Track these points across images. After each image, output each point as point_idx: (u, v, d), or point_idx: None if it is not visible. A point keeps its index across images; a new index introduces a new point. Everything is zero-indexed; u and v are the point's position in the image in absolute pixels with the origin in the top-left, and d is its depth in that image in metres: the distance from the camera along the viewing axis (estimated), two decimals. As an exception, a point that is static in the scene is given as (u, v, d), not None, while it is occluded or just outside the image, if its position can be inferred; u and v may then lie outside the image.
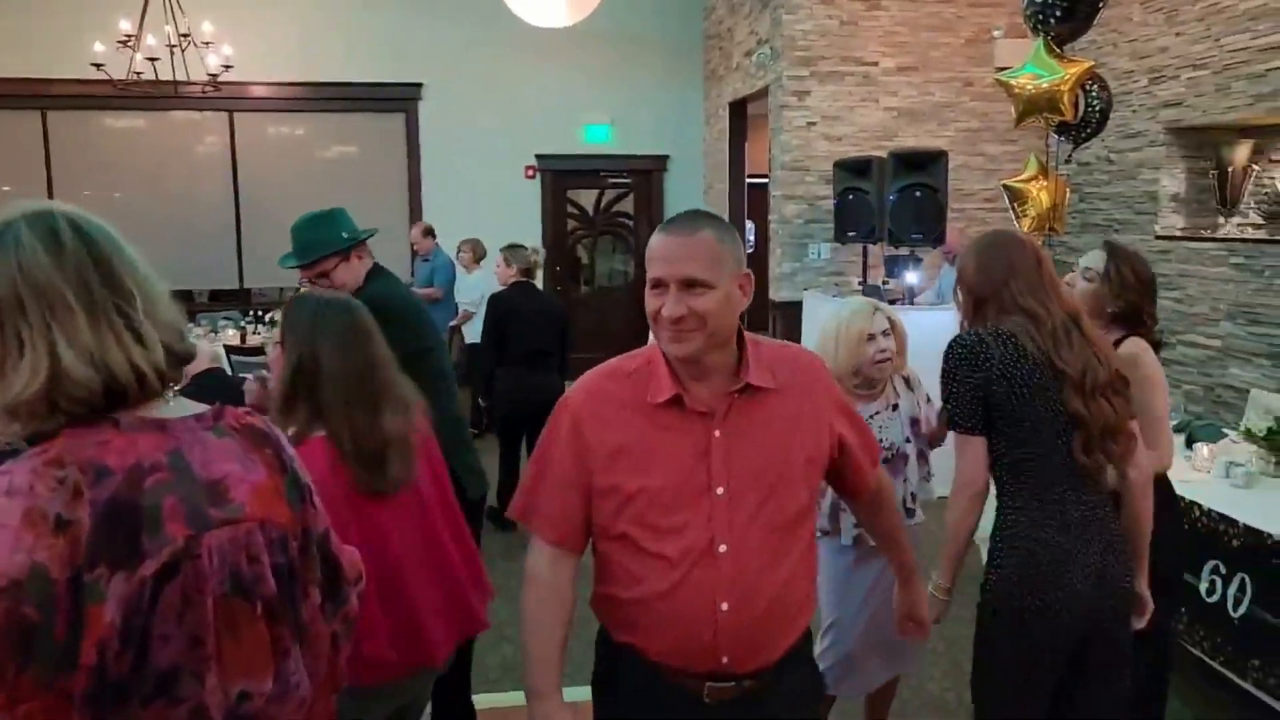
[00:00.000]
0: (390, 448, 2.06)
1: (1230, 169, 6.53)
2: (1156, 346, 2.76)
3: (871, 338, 2.81)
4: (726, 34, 9.41)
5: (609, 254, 10.86)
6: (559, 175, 10.30)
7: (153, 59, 7.13)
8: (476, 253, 8.13)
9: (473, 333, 8.10)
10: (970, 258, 2.38)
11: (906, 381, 2.98)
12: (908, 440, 2.90)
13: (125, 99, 8.10)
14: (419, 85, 9.79)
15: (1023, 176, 4.98)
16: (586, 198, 10.58)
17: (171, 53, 7.17)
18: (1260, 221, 6.44)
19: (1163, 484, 2.65)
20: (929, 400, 2.98)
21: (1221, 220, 6.65)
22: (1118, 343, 2.67)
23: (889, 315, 2.89)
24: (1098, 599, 2.19)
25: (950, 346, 2.29)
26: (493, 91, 9.84)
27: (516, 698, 2.99)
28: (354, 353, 2.08)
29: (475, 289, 7.96)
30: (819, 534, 2.95)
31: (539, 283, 6.32)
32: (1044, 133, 7.94)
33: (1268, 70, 5.82)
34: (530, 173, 10.16)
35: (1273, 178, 6.43)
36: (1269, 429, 3.67)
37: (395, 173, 9.95)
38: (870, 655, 3.00)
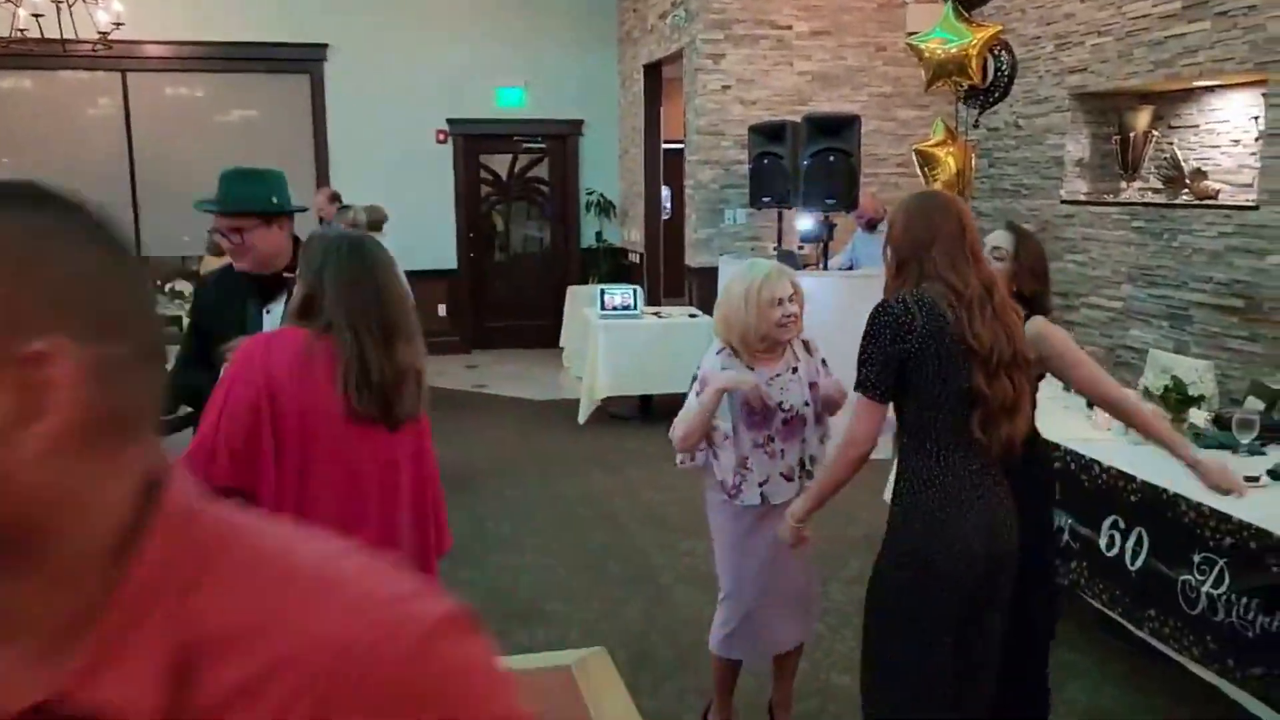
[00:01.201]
0: (403, 378, 2.03)
1: (1132, 135, 6.67)
2: None
3: (779, 302, 2.81)
4: (641, -5, 9.28)
5: (524, 220, 10.71)
6: (471, 140, 10.09)
7: (37, 15, 6.75)
8: (371, 219, 7.84)
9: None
10: (899, 216, 2.38)
11: (806, 346, 3.00)
12: (807, 404, 2.91)
13: (8, 58, 7.67)
14: (324, 46, 9.47)
15: (932, 141, 5.01)
16: (500, 163, 10.39)
17: (58, 9, 6.79)
18: (1159, 186, 6.60)
19: (1036, 439, 2.72)
20: (825, 365, 3.02)
21: (1123, 185, 6.80)
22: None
23: (792, 279, 2.89)
24: (988, 553, 2.28)
25: (877, 312, 2.27)
26: (401, 53, 9.58)
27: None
28: (365, 280, 2.03)
29: None
30: (720, 495, 2.94)
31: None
32: (954, 98, 8.05)
33: (1167, 37, 5.94)
34: (441, 137, 9.94)
35: (1171, 143, 6.59)
36: (1166, 387, 3.76)
37: (299, 137, 9.63)
38: (771, 619, 3.00)
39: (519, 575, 4.52)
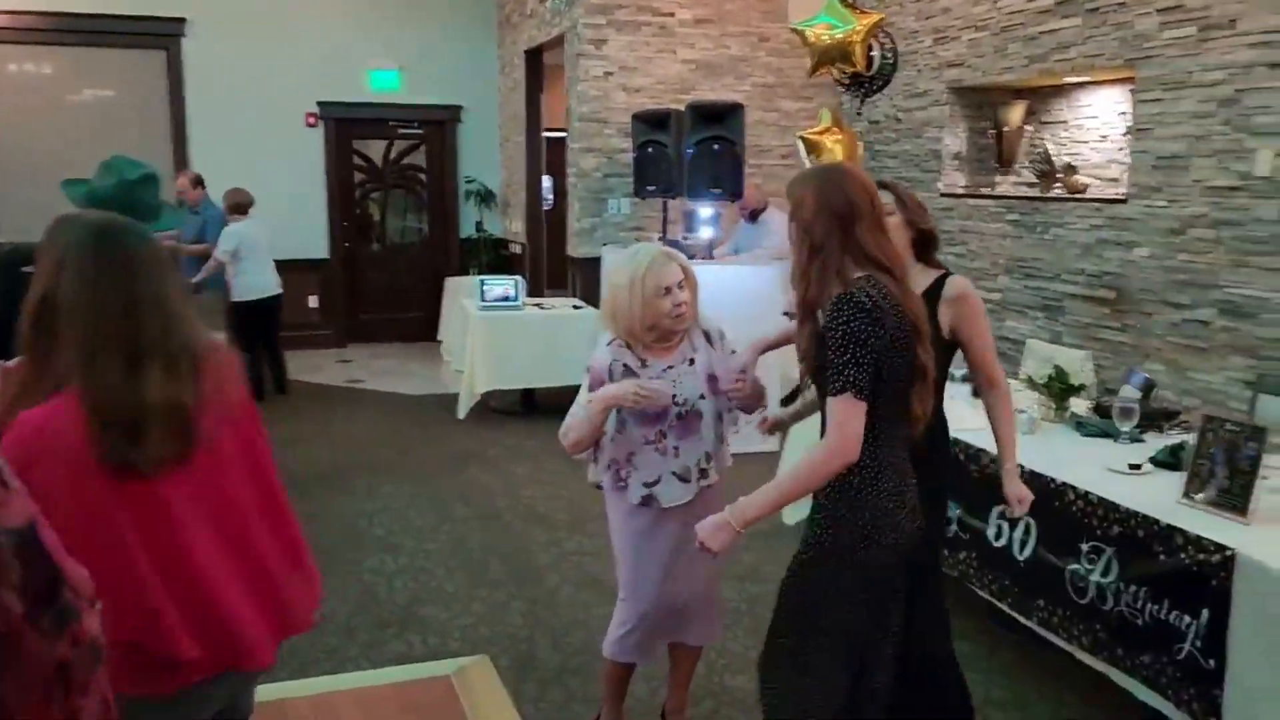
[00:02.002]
0: (149, 415, 1.61)
1: (1006, 129, 6.80)
2: None
3: (668, 290, 2.63)
4: (520, -22, 9.04)
5: (400, 209, 10.33)
6: (344, 124, 9.67)
7: None
8: (229, 201, 7.39)
9: (241, 290, 7.43)
10: (806, 193, 2.17)
11: (706, 336, 2.81)
12: (702, 397, 2.73)
13: None
14: (181, 20, 8.91)
15: (817, 128, 4.96)
16: (375, 149, 10.00)
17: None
18: (1033, 180, 6.74)
19: (940, 422, 2.67)
20: (734, 354, 2.83)
21: (999, 179, 6.92)
22: (942, 280, 2.64)
23: (682, 264, 2.70)
24: (916, 535, 2.25)
25: (845, 306, 2.06)
26: (267, 31, 9.10)
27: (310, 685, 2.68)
28: (107, 286, 1.61)
29: (234, 241, 7.24)
30: (615, 493, 2.78)
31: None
32: (838, 90, 8.08)
33: (1041, 33, 6.05)
34: (311, 120, 9.49)
35: (1043, 139, 6.74)
36: (1049, 377, 3.78)
37: (157, 117, 9.04)
38: (672, 622, 2.86)
39: (394, 579, 4.27)
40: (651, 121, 6.99)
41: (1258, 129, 4.72)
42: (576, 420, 2.73)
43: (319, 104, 9.44)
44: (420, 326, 9.84)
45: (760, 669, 2.34)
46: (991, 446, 3.46)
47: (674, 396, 2.66)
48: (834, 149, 4.74)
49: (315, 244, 9.60)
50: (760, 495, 2.15)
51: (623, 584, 2.85)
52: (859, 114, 5.09)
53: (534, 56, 8.98)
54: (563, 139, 9.22)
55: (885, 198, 2.76)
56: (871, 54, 4.76)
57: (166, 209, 2.73)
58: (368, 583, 4.24)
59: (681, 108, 6.99)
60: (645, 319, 2.62)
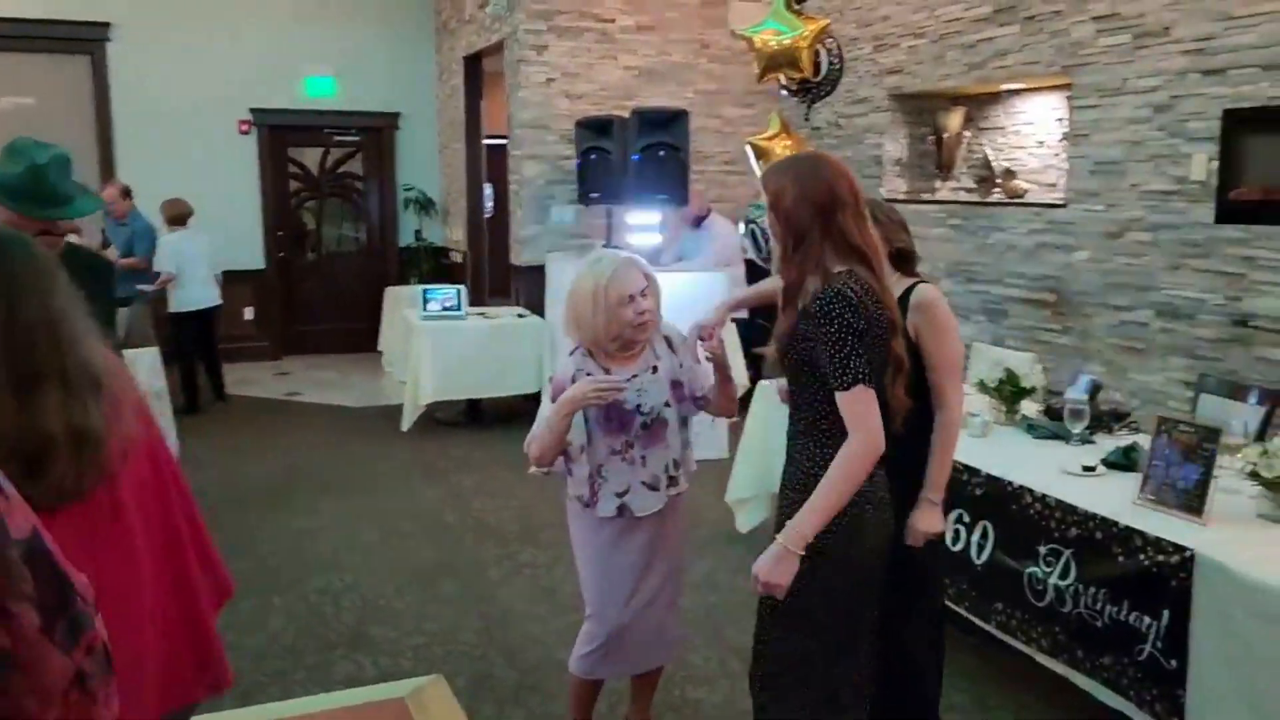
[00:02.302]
0: (49, 446, 1.40)
1: (945, 135, 6.89)
2: None
3: (631, 299, 2.57)
4: (458, -16, 8.93)
5: (337, 218, 10.13)
6: (278, 131, 9.46)
7: None
8: (168, 213, 7.32)
9: (180, 301, 7.31)
10: (785, 183, 2.13)
11: (669, 342, 2.76)
12: (668, 405, 2.69)
13: None
14: (106, 25, 8.64)
15: (766, 134, 4.95)
16: (311, 157, 9.80)
17: None
18: (972, 185, 6.84)
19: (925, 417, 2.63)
20: (699, 361, 2.79)
21: (939, 184, 7.01)
22: (912, 288, 2.63)
23: (645, 272, 2.65)
24: (889, 528, 2.25)
25: (835, 303, 2.03)
26: (197, 35, 8.86)
27: None
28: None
29: (172, 253, 7.17)
30: (579, 506, 2.73)
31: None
32: (779, 96, 8.11)
33: (979, 40, 6.13)
34: (244, 128, 9.27)
35: (982, 144, 6.84)
36: (1000, 380, 3.81)
37: (81, 125, 8.74)
38: (640, 637, 2.79)
39: (341, 599, 4.15)
40: (595, 128, 6.94)
41: (1192, 134, 4.82)
42: (540, 431, 2.67)
43: (252, 111, 9.22)
44: (359, 337, 9.66)
45: (758, 678, 2.28)
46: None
47: (639, 405, 2.61)
48: (784, 155, 4.74)
49: (250, 254, 9.37)
50: (809, 513, 2.07)
51: (590, 600, 2.79)
52: (806, 119, 5.10)
53: (473, 63, 8.88)
54: (502, 146, 9.12)
55: None
56: (819, 59, 4.77)
57: (80, 194, 2.55)
58: (314, 603, 4.11)
59: (625, 114, 6.96)
60: (609, 328, 2.57)
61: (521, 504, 5.33)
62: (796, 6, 4.72)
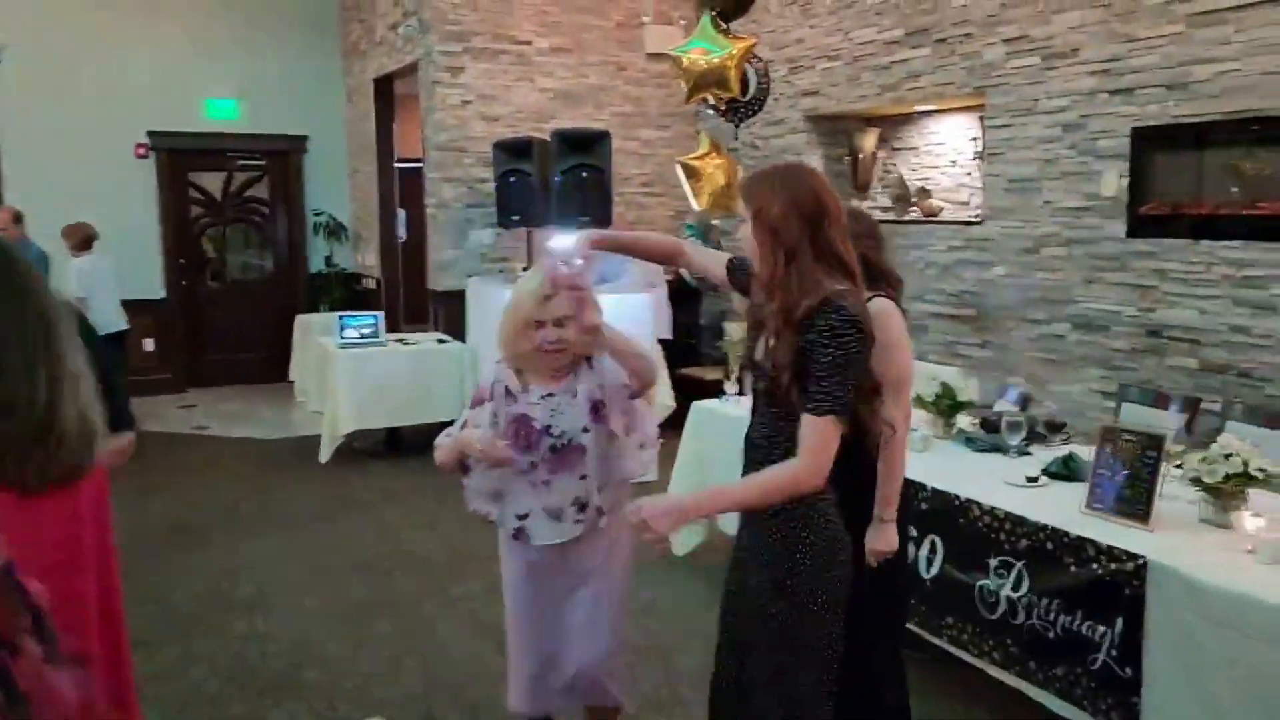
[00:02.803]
0: (64, 425, 1.39)
1: (861, 156, 7.00)
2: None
3: (540, 325, 2.43)
4: (367, 4, 8.77)
5: (242, 244, 9.80)
6: (178, 155, 9.13)
7: None
8: (75, 237, 7.06)
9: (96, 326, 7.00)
10: (772, 194, 2.03)
11: (589, 360, 2.55)
12: (585, 430, 2.51)
13: None
14: (-7, 45, 8.23)
15: (697, 154, 4.95)
16: (213, 181, 9.47)
17: None
18: (888, 204, 6.96)
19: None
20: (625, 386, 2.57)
21: (855, 203, 7.10)
22: (869, 300, 2.59)
23: (579, 298, 2.37)
24: (850, 547, 2.20)
25: (846, 326, 1.94)
26: (92, 56, 8.51)
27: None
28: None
29: (82, 277, 6.92)
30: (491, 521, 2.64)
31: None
32: (693, 118, 8.15)
33: (892, 62, 6.26)
34: (141, 151, 8.91)
35: (895, 164, 6.98)
36: (937, 394, 3.84)
37: (-35, 148, 8.30)
38: (567, 673, 2.63)
39: (268, 642, 3.95)
40: (513, 150, 6.87)
41: (1102, 152, 4.98)
42: (446, 443, 2.63)
43: (150, 134, 8.88)
44: (268, 367, 9.34)
45: (751, 708, 2.21)
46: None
47: (549, 427, 2.50)
48: (715, 174, 4.74)
49: (150, 283, 8.99)
50: (717, 493, 2.13)
51: (509, 627, 2.71)
52: (735, 139, 5.12)
53: (384, 85, 8.71)
54: (415, 170, 8.96)
55: None
56: (746, 78, 4.79)
57: None
58: (239, 649, 3.90)
59: (543, 136, 6.90)
60: (516, 346, 2.50)
61: (450, 535, 5.18)
62: (724, 26, 4.73)
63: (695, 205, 4.94)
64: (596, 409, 2.52)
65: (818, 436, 1.97)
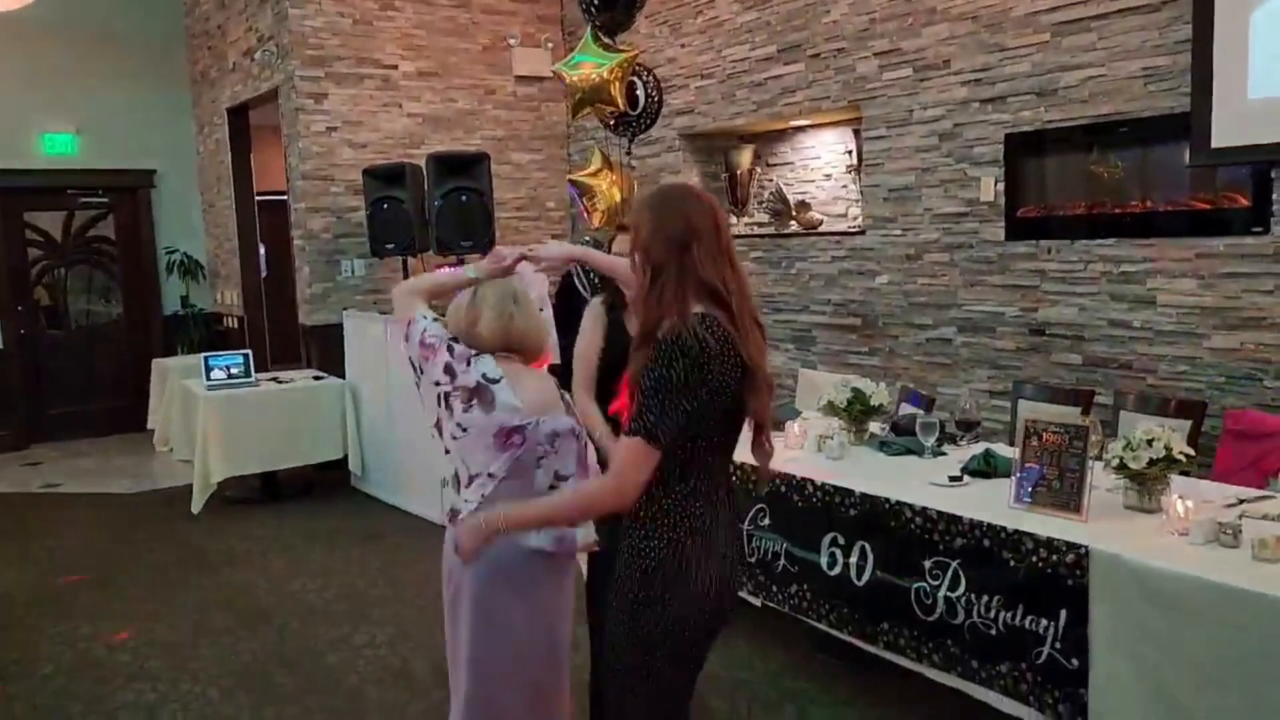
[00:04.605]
0: None
1: (738, 172, 7.05)
2: None
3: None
4: (217, 31, 8.35)
5: (87, 287, 9.14)
6: (11, 195, 8.45)
7: None
8: None
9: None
10: (645, 216, 2.03)
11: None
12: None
13: None
14: None
15: (589, 170, 4.85)
16: (52, 221, 8.81)
17: None
18: (766, 219, 7.02)
19: None
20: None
21: (734, 219, 7.15)
22: None
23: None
24: (725, 592, 2.10)
25: (669, 349, 1.87)
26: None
27: None
28: None
29: None
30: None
31: None
32: (564, 140, 8.07)
33: (766, 79, 6.33)
34: (-29, 192, 8.23)
35: (771, 179, 7.05)
36: (849, 400, 3.83)
37: None
38: (519, 707, 2.50)
39: (157, 712, 3.60)
40: (385, 176, 6.62)
41: (977, 159, 5.14)
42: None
43: (-22, 172, 8.22)
44: (121, 417, 8.74)
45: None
46: (813, 474, 3.46)
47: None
48: (611, 191, 4.65)
49: (-17, 333, 8.29)
50: (528, 507, 2.12)
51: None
52: (629, 154, 5.05)
53: (238, 114, 8.30)
54: (274, 202, 8.58)
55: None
56: (636, 92, 4.73)
57: None
58: (122, 721, 3.55)
59: (413, 161, 6.69)
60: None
61: (344, 581, 4.89)
62: (605, 40, 4.66)
63: (591, 222, 4.84)
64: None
65: (625, 457, 1.92)
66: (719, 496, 2.04)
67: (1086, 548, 2.59)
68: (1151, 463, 2.74)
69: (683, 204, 2.02)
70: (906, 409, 4.43)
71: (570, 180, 5.00)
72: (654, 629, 1.98)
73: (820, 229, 6.42)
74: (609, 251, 3.12)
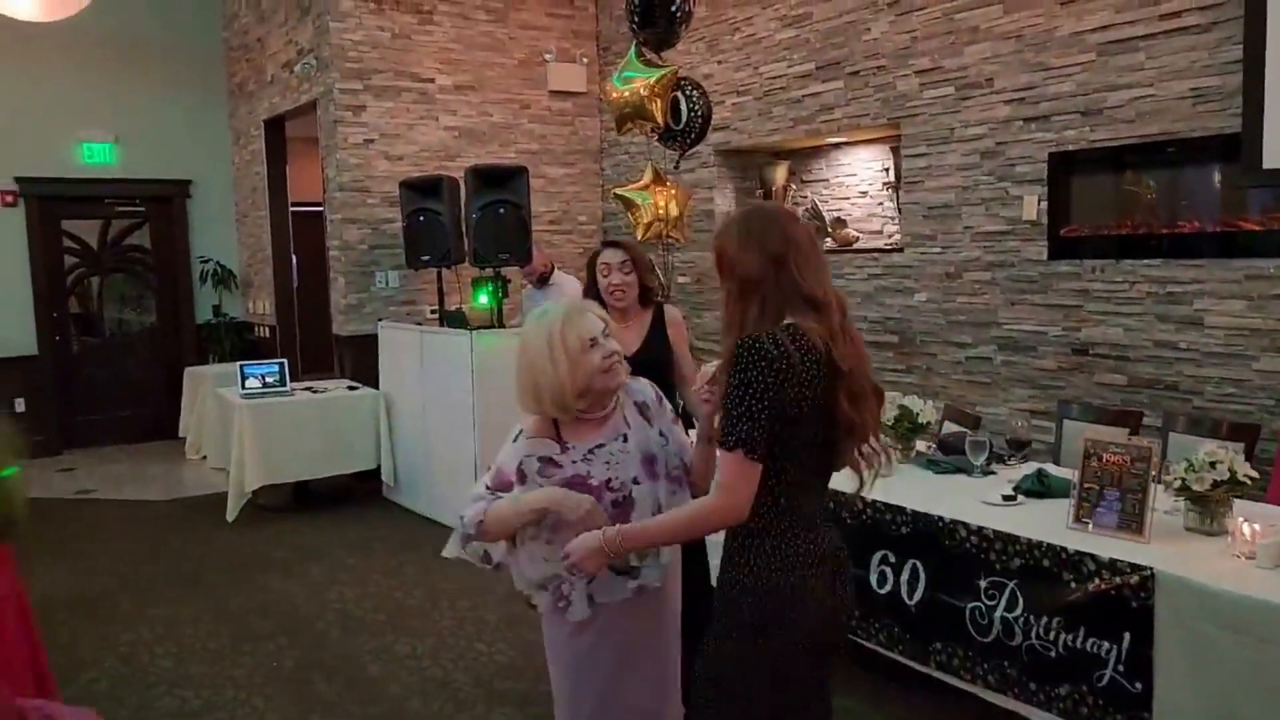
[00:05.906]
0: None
1: (773, 188, 7.05)
2: None
3: (594, 342, 2.25)
4: (256, 45, 8.44)
5: (122, 295, 9.22)
6: (49, 202, 8.55)
7: None
8: None
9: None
10: (731, 235, 2.01)
11: (641, 409, 2.38)
12: (637, 481, 2.26)
13: None
14: None
15: (640, 183, 4.86)
16: (89, 230, 8.90)
17: None
18: (801, 236, 7.00)
19: None
20: (677, 422, 2.45)
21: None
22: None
23: (600, 315, 2.34)
24: (830, 615, 2.08)
25: (747, 352, 1.87)
26: (-49, 98, 7.92)
27: None
28: None
29: None
30: (551, 603, 2.31)
31: None
32: (598, 155, 8.10)
33: (804, 96, 6.34)
34: (9, 199, 8.32)
35: (806, 195, 7.05)
36: (896, 418, 3.82)
37: None
38: None
39: (203, 718, 3.61)
40: (422, 188, 6.65)
41: (1019, 177, 5.12)
42: (502, 511, 2.23)
43: (18, 180, 8.30)
44: (153, 424, 8.81)
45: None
46: (865, 491, 3.43)
47: (609, 480, 2.24)
48: (668, 206, 4.66)
49: (20, 338, 8.37)
50: (641, 527, 2.10)
51: (559, 710, 2.40)
52: (676, 168, 5.05)
53: (274, 126, 8.38)
54: (308, 213, 8.62)
55: (618, 255, 3.23)
56: (679, 107, 4.74)
57: None
58: (167, 727, 3.56)
59: (450, 174, 6.72)
60: (574, 381, 2.21)
61: (382, 590, 4.90)
62: (648, 56, 4.68)
63: (634, 236, 4.85)
64: (648, 461, 2.30)
65: (726, 474, 1.92)
66: (818, 524, 2.02)
67: (1152, 570, 2.56)
68: (1215, 485, 2.71)
69: (776, 219, 2.03)
70: (954, 426, 4.40)
71: (616, 194, 5.01)
72: (761, 660, 1.96)
73: (856, 246, 6.41)
74: (594, 266, 3.24)
